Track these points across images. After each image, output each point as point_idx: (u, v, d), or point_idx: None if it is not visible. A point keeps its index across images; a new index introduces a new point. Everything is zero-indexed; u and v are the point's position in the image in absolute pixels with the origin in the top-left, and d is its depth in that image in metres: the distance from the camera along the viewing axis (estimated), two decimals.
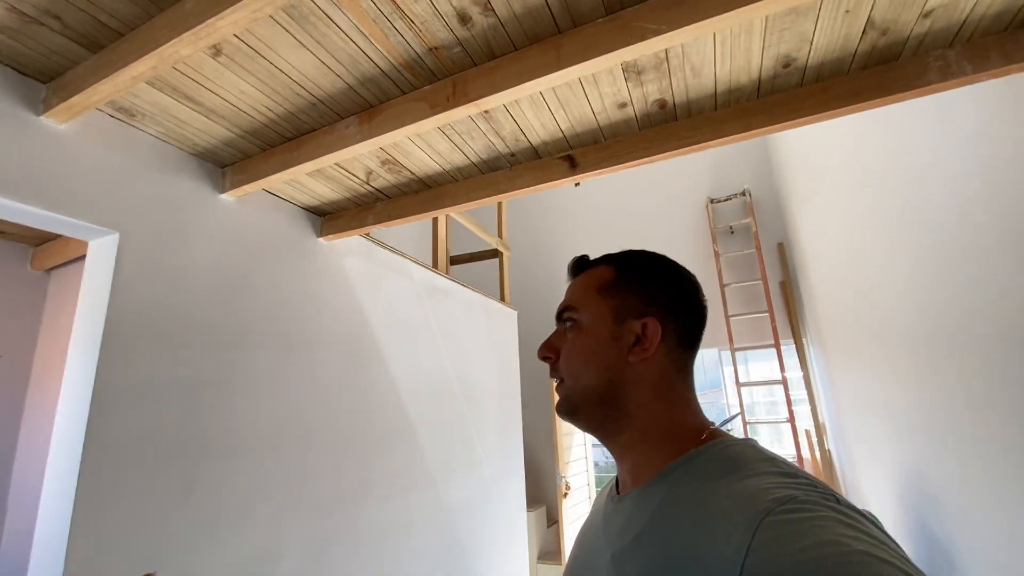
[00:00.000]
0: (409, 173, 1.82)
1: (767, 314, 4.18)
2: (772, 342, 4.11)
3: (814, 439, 3.89)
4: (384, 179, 1.85)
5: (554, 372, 0.62)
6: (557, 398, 0.59)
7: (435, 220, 3.27)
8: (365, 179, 1.85)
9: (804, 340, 4.14)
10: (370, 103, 1.42)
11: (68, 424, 1.28)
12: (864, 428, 2.84)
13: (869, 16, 1.15)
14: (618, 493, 0.58)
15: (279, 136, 1.56)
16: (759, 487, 0.43)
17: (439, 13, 1.12)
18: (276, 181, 1.64)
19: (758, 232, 4.47)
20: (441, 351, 2.83)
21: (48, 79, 1.27)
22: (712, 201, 4.79)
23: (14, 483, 2.15)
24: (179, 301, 1.53)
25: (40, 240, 2.37)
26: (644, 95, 1.43)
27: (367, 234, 2.39)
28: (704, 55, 1.28)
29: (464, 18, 1.14)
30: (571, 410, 0.59)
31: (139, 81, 1.17)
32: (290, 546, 1.73)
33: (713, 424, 0.56)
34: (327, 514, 1.91)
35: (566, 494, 4.11)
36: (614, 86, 1.39)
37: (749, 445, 0.51)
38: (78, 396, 1.29)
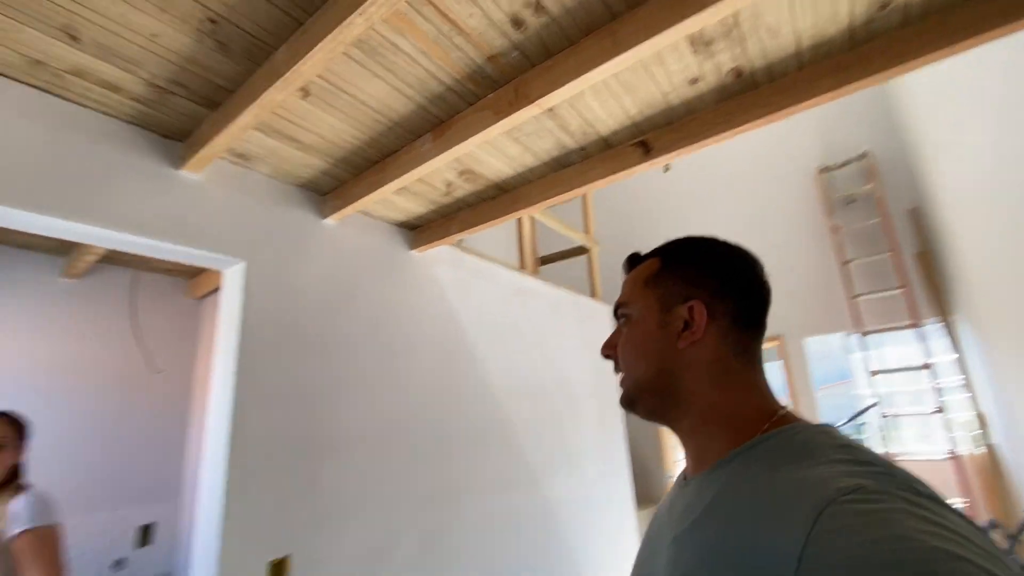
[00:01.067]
0: (485, 180, 1.88)
1: (902, 291, 3.65)
2: (910, 323, 3.58)
3: (973, 432, 3.32)
4: (463, 188, 1.94)
5: (617, 368, 0.64)
6: None
7: (519, 222, 3.33)
8: (446, 190, 1.95)
9: (954, 318, 3.55)
10: (441, 119, 1.50)
11: (217, 426, 1.52)
12: None
13: None
14: (685, 478, 0.58)
15: (366, 161, 1.71)
16: (825, 475, 0.40)
17: (493, 22, 1.16)
18: (368, 202, 1.79)
19: (884, 199, 3.93)
20: (533, 352, 2.87)
21: (182, 138, 1.52)
22: (824, 170, 4.31)
23: (187, 473, 2.58)
24: (294, 316, 1.73)
25: (193, 273, 2.82)
26: (717, 66, 1.35)
27: (455, 243, 2.50)
28: (780, 12, 1.18)
29: (517, 22, 1.17)
30: (630, 402, 0.61)
31: (247, 129, 1.35)
32: (403, 536, 1.87)
33: (785, 408, 0.53)
34: (435, 508, 2.03)
35: None
36: (681, 62, 1.33)
37: (822, 431, 0.48)
38: (223, 402, 1.52)
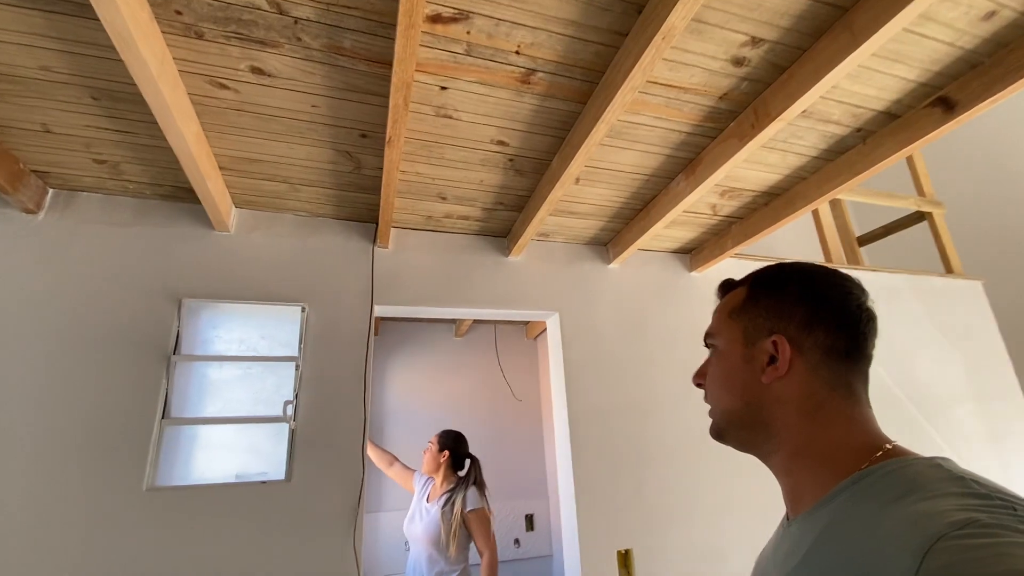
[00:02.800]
0: (751, 192, 1.89)
1: None
2: None
3: None
4: (729, 206, 1.98)
5: (706, 398, 0.65)
6: None
7: (814, 213, 2.98)
8: (712, 212, 2.03)
9: None
10: (688, 159, 1.65)
11: (561, 439, 2.00)
12: None
13: None
14: (788, 518, 0.57)
15: (632, 211, 1.98)
16: (935, 509, 0.39)
17: (713, 71, 1.28)
18: (643, 241, 2.05)
19: None
20: None
21: (505, 235, 2.14)
22: None
23: (548, 475, 3.29)
24: (601, 347, 2.11)
25: (527, 320, 3.64)
26: None
27: (735, 255, 2.48)
28: None
29: (737, 61, 1.25)
30: (718, 433, 0.62)
31: (544, 218, 1.82)
32: (736, 544, 1.95)
33: (894, 443, 0.51)
34: (762, 519, 2.03)
35: None
36: (959, 7, 1.12)
37: (934, 464, 0.45)
38: (561, 420, 2.00)
